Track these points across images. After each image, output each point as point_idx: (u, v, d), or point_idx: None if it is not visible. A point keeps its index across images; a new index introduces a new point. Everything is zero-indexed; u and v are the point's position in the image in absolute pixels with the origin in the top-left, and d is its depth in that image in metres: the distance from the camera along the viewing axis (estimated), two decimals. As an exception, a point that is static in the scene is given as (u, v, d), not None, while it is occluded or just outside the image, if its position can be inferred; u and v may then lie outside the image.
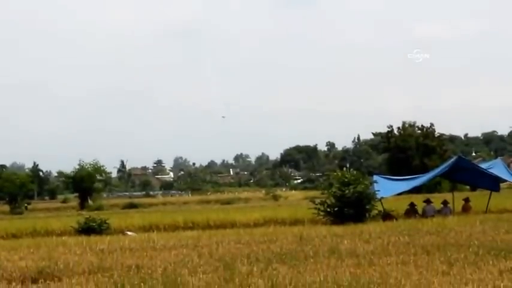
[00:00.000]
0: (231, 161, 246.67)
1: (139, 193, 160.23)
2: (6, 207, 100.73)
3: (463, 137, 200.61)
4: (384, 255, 16.02)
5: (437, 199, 38.18)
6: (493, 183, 36.62)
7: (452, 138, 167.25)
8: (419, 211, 35.03)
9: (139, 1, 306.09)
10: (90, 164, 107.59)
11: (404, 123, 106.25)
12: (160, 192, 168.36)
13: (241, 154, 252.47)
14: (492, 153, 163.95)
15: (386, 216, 33.42)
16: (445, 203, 35.59)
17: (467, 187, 63.86)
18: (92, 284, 13.38)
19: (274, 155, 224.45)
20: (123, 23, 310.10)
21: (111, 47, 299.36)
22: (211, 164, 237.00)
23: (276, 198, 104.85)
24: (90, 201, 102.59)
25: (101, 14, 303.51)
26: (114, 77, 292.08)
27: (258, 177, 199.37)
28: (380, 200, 33.62)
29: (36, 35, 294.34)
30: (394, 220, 30.88)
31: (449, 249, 16.39)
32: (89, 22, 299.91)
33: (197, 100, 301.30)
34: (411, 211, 35.14)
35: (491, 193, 36.95)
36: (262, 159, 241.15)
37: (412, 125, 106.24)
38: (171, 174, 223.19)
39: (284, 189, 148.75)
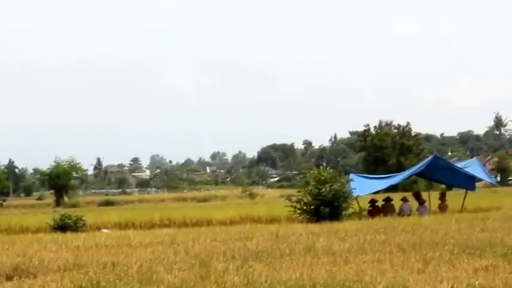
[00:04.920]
0: (207, 159, 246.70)
1: (115, 190, 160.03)
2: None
3: (439, 136, 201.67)
4: (360, 253, 16.06)
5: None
6: (468, 182, 36.74)
7: (429, 138, 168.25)
8: (396, 207, 35.10)
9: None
10: (66, 161, 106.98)
11: (381, 122, 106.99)
12: (137, 189, 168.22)
13: (218, 152, 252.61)
14: (468, 152, 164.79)
15: (373, 210, 33.65)
16: (420, 200, 35.60)
17: (443, 186, 64.06)
18: (67, 281, 13.30)
19: (251, 153, 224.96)
20: (98, 19, 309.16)
21: (87, 43, 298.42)
22: (188, 161, 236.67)
23: (252, 196, 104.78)
24: (65, 199, 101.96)
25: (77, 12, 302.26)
26: (91, 74, 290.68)
27: (235, 175, 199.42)
28: (356, 198, 33.70)
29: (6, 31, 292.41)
30: (371, 217, 30.92)
31: (425, 248, 16.45)
32: (65, 22, 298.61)
33: (175, 97, 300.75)
34: (387, 207, 35.13)
35: (466, 192, 37.06)
36: (239, 158, 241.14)
37: (388, 124, 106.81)
38: (148, 171, 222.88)
39: (261, 187, 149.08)
